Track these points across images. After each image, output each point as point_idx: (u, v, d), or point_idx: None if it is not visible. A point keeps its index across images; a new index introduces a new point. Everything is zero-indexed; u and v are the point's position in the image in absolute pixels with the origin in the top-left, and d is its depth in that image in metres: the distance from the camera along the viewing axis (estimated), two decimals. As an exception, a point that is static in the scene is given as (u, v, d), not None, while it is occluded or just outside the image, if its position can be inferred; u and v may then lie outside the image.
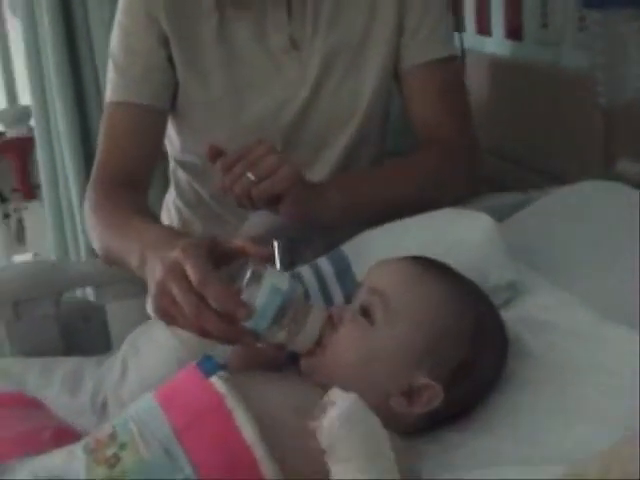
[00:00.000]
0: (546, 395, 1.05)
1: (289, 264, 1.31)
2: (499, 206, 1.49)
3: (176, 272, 1.00)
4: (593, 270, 1.26)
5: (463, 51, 2.04)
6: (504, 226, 1.39)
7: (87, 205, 1.44)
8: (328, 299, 1.21)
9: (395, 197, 1.40)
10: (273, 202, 1.26)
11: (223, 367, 0.99)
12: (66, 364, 1.30)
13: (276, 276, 1.02)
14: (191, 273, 0.99)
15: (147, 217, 1.33)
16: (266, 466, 0.89)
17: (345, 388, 0.95)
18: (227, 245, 1.07)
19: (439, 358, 1.01)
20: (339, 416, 0.89)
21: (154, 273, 1.04)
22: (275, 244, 1.41)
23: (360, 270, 1.21)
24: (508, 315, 1.14)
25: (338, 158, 1.57)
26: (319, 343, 1.03)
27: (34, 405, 1.13)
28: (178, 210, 1.74)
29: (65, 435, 1.04)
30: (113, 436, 0.93)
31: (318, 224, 1.36)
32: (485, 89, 2.10)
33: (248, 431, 0.91)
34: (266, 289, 1.00)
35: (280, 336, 1.02)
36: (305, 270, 1.25)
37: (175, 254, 1.02)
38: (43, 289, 1.35)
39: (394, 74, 1.56)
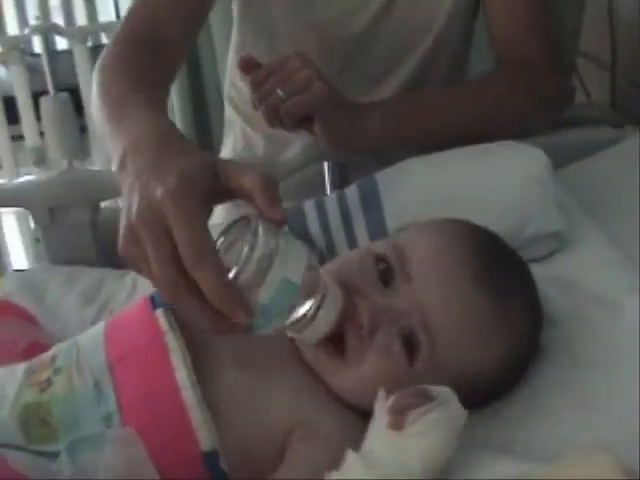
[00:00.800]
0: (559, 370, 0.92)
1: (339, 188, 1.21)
2: (582, 142, 1.34)
3: (156, 227, 0.76)
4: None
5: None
6: (576, 166, 1.25)
7: (98, 62, 1.17)
8: (350, 235, 1.11)
9: (452, 126, 1.24)
10: (304, 122, 1.14)
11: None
12: (90, 274, 1.25)
13: (290, 261, 0.78)
14: (179, 240, 0.75)
15: (157, 95, 1.07)
16: (196, 416, 0.82)
17: (343, 397, 0.88)
18: (233, 180, 0.81)
19: (467, 396, 0.84)
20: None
21: (129, 203, 0.80)
22: (325, 165, 1.33)
23: (390, 204, 1.10)
24: (542, 271, 1.00)
25: (410, 76, 1.41)
26: (331, 337, 0.86)
27: (20, 315, 1.08)
28: (241, 128, 1.61)
29: (39, 350, 0.97)
30: (53, 359, 0.88)
31: (358, 151, 1.23)
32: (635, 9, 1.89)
33: (182, 374, 0.83)
34: (275, 282, 0.77)
35: (281, 328, 0.84)
36: (330, 201, 1.14)
37: (159, 197, 0.76)
38: (78, 197, 1.30)
39: None
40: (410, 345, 0.85)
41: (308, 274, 0.79)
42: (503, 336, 0.88)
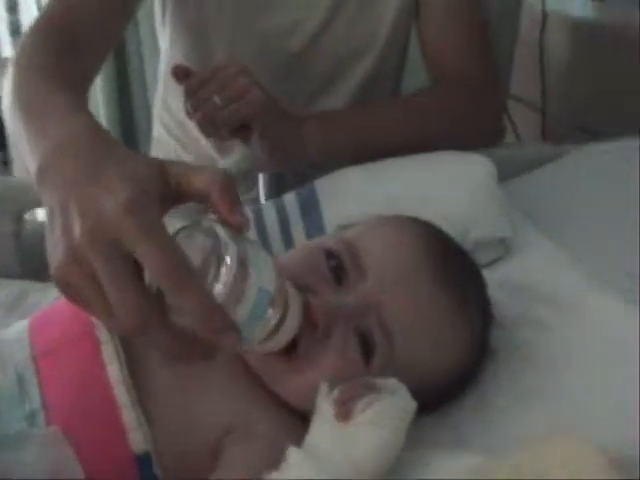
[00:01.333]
0: (509, 371, 0.89)
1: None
2: (524, 157, 1.33)
3: (110, 247, 0.63)
4: (603, 237, 1.09)
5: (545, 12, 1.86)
6: (518, 180, 1.25)
7: (13, 58, 1.02)
8: (288, 240, 1.07)
9: (390, 138, 1.21)
10: (241, 132, 1.10)
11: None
12: (13, 285, 1.18)
13: (262, 268, 0.69)
14: (150, 259, 0.63)
15: (79, 97, 0.94)
16: (128, 415, 0.76)
17: (291, 403, 0.81)
18: (185, 182, 0.70)
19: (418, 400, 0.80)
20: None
21: (65, 220, 0.66)
22: (260, 178, 1.29)
23: (329, 211, 1.07)
24: (489, 275, 0.96)
25: (352, 92, 1.38)
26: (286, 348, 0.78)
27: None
28: (174, 150, 1.54)
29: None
30: (-20, 355, 0.81)
31: (295, 162, 1.19)
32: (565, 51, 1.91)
33: (114, 369, 0.77)
34: (252, 294, 0.68)
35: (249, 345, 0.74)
36: (268, 207, 1.11)
37: (112, 210, 0.63)
38: (1, 205, 1.24)
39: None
40: (366, 345, 0.80)
41: (279, 280, 0.71)
42: (461, 337, 0.84)
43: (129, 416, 0.76)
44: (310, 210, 1.07)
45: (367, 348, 0.80)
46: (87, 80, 1.06)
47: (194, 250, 0.67)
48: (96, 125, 0.77)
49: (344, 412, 0.73)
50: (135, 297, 0.64)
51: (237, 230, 0.68)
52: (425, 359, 0.82)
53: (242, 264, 0.66)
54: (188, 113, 1.10)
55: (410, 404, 0.75)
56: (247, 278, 0.66)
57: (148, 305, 0.64)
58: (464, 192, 1.06)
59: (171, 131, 1.54)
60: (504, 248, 1.07)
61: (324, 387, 0.76)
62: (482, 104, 1.29)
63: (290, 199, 1.10)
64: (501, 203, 1.08)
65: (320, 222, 1.06)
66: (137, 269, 0.65)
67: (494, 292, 0.93)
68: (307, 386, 0.78)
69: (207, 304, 0.64)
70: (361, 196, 1.07)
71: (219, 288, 0.65)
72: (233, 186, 0.70)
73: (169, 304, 0.65)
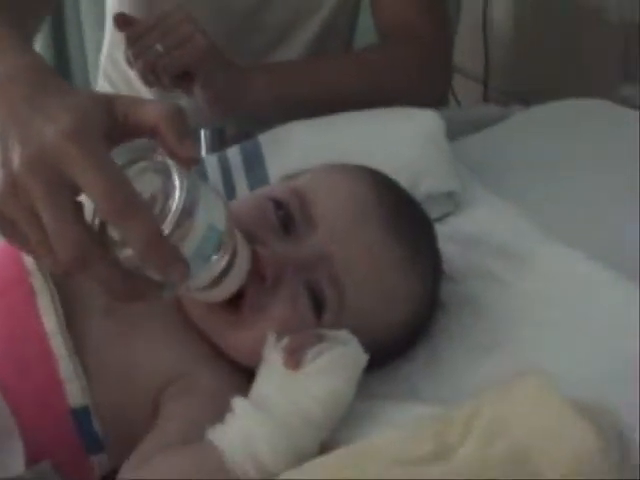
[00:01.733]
0: (461, 325, 0.87)
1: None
2: (473, 118, 1.32)
3: (50, 176, 0.61)
4: (549, 190, 1.08)
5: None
6: (467, 139, 1.24)
7: None
8: (231, 195, 1.03)
9: (340, 92, 1.17)
10: (183, 81, 1.07)
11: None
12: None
13: (212, 204, 0.66)
14: (92, 186, 0.60)
15: (23, 33, 0.88)
16: (64, 367, 0.72)
17: (237, 358, 0.78)
18: (132, 115, 0.67)
19: (371, 351, 0.77)
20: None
21: (4, 151, 0.64)
22: (202, 133, 1.25)
23: (274, 165, 1.04)
24: (439, 229, 0.94)
25: (306, 45, 1.34)
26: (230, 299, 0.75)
27: None
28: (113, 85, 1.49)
29: None
30: None
31: (240, 113, 1.16)
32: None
33: (50, 319, 0.73)
34: (201, 230, 0.64)
35: (192, 288, 0.71)
36: (210, 159, 1.07)
37: (53, 138, 0.61)
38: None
39: None
40: (316, 299, 0.76)
41: (229, 223, 0.68)
42: (413, 289, 0.81)
43: (66, 368, 0.72)
44: (254, 165, 1.04)
45: (317, 302, 0.76)
46: (33, 22, 1.05)
47: (142, 183, 0.64)
48: (41, 60, 0.73)
49: (294, 360, 0.69)
50: (75, 228, 0.61)
51: (187, 163, 0.65)
52: (377, 312, 0.79)
53: (191, 200, 0.63)
54: (129, 62, 1.07)
55: (361, 355, 0.72)
56: (195, 214, 0.63)
57: (89, 238, 0.62)
58: (413, 145, 1.04)
59: (115, 85, 1.49)
60: (454, 203, 1.05)
61: (271, 337, 0.72)
62: (431, 60, 1.26)
63: (234, 153, 1.07)
64: (450, 158, 1.06)
65: (265, 177, 1.03)
66: (78, 206, 0.62)
67: (445, 245, 0.90)
68: (253, 341, 0.74)
69: (153, 233, 0.61)
70: (307, 150, 1.04)
71: (166, 222, 0.62)
72: (183, 118, 0.67)
73: (112, 237, 0.63)
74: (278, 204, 0.79)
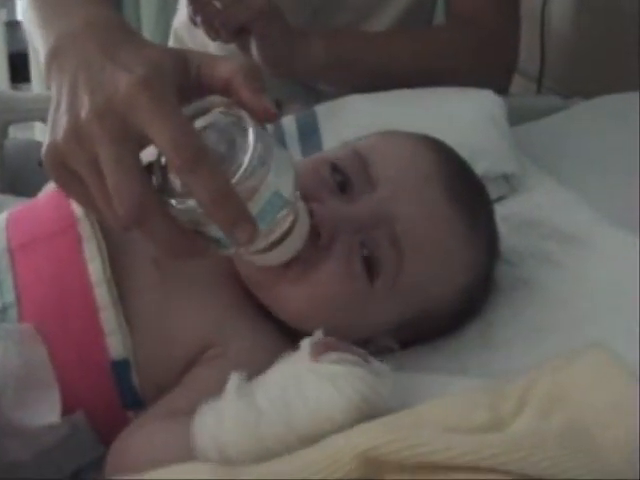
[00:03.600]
0: (514, 306, 0.85)
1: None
2: (533, 107, 1.29)
3: (118, 124, 0.59)
4: (607, 180, 1.05)
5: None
6: (526, 126, 1.21)
7: None
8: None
9: (395, 65, 1.16)
10: (241, 36, 1.07)
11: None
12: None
13: (283, 171, 0.63)
14: (162, 137, 0.58)
15: None
16: (108, 318, 0.70)
17: (286, 319, 0.75)
18: (207, 71, 0.65)
19: (420, 325, 0.78)
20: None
21: (71, 99, 0.61)
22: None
23: (329, 137, 1.03)
24: (496, 211, 0.92)
25: (387, 26, 1.29)
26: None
27: None
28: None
29: None
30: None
31: (296, 75, 1.15)
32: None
33: (95, 268, 0.71)
34: (266, 195, 0.62)
35: (251, 249, 0.68)
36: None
37: (125, 87, 0.59)
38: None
39: None
40: (371, 261, 0.73)
41: (294, 185, 0.65)
42: (469, 258, 0.78)
43: (108, 318, 0.70)
44: (309, 133, 1.03)
45: (372, 265, 0.74)
46: None
47: (216, 135, 0.62)
48: (117, 15, 0.72)
49: (317, 351, 0.66)
50: (136, 181, 0.59)
51: (262, 117, 0.63)
52: (433, 278, 0.76)
53: (263, 159, 0.61)
54: (191, 19, 1.08)
55: (384, 397, 0.64)
56: (266, 175, 0.61)
57: (149, 192, 0.60)
58: (471, 124, 1.02)
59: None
60: (510, 187, 1.03)
61: (318, 332, 0.69)
62: (493, 49, 1.23)
63: (289, 121, 1.06)
64: (509, 139, 1.04)
65: (319, 146, 1.02)
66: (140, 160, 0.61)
67: (500, 226, 0.88)
68: (302, 298, 0.73)
69: (222, 187, 0.59)
70: (363, 123, 1.00)
71: (235, 177, 0.60)
72: (259, 74, 0.65)
73: (174, 190, 0.61)
74: (336, 168, 0.77)
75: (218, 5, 1.04)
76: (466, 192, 0.80)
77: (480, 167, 0.98)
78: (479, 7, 1.23)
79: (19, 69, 2.71)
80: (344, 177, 0.76)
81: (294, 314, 0.74)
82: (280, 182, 0.62)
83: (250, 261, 0.72)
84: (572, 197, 0.99)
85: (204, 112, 0.64)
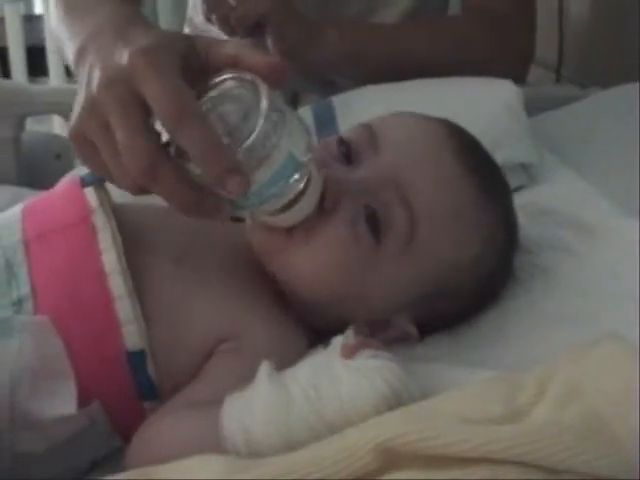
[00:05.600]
0: (531, 295, 0.84)
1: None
2: (551, 97, 1.30)
3: (122, 88, 0.63)
4: (624, 170, 1.04)
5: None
6: (544, 115, 1.21)
7: None
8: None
9: (410, 56, 1.16)
10: (257, 31, 1.07)
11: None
12: (7, 190, 1.13)
13: (296, 133, 0.65)
14: (155, 97, 0.62)
15: None
16: (124, 308, 0.70)
17: (296, 289, 0.75)
18: (214, 52, 0.68)
19: (436, 305, 0.77)
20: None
21: (89, 78, 0.67)
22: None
23: (346, 126, 1.01)
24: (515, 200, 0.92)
25: (400, 16, 1.30)
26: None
27: None
28: None
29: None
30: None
31: (313, 68, 1.16)
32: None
33: (110, 258, 0.71)
34: (280, 157, 0.64)
35: (264, 211, 0.70)
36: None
37: (129, 57, 0.64)
38: (2, 109, 1.20)
39: None
40: (377, 221, 0.73)
41: (310, 153, 0.67)
42: (486, 230, 0.78)
43: (124, 308, 0.70)
44: (326, 124, 1.03)
45: (378, 225, 0.74)
46: None
47: (229, 103, 0.65)
48: (136, 10, 0.80)
49: (350, 349, 0.66)
50: (144, 139, 0.63)
51: (273, 73, 0.65)
52: (446, 246, 0.76)
53: (276, 124, 0.63)
54: (206, 16, 1.08)
55: (412, 393, 0.64)
56: (279, 138, 0.63)
57: (157, 149, 0.63)
58: (489, 113, 1.02)
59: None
60: (528, 177, 1.02)
61: (350, 330, 0.69)
62: (508, 40, 1.23)
63: (305, 112, 1.06)
64: (527, 129, 1.03)
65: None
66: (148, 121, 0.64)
67: (518, 215, 0.87)
68: (307, 262, 0.74)
69: (210, 141, 0.62)
70: (379, 114, 1.01)
71: (248, 141, 0.62)
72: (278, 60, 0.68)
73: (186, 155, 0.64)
74: (342, 140, 0.78)
75: (232, 2, 1.05)
76: (480, 164, 0.80)
77: (498, 157, 0.96)
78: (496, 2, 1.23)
79: (37, 62, 2.72)
80: (350, 148, 0.77)
81: (301, 281, 0.75)
82: (294, 145, 0.65)
83: (264, 223, 0.73)
84: (590, 188, 0.98)
85: (217, 85, 0.66)
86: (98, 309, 0.70)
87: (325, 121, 1.03)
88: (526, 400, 0.55)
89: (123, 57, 0.64)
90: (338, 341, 0.67)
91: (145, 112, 0.63)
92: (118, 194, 0.79)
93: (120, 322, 0.70)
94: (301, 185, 0.68)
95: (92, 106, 0.65)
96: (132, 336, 0.70)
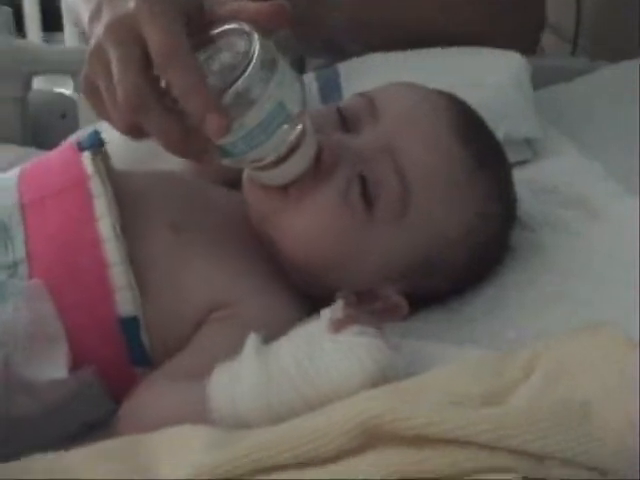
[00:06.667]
0: (528, 272, 0.83)
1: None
2: (560, 69, 1.26)
3: (124, 31, 0.66)
4: (629, 147, 1.02)
5: None
6: (551, 89, 1.18)
7: None
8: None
9: (419, 23, 1.13)
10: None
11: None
12: (12, 149, 1.14)
13: (287, 83, 0.66)
14: (150, 40, 0.65)
15: None
16: (117, 274, 0.70)
17: (288, 252, 0.76)
18: (220, 6, 0.70)
19: (428, 277, 0.78)
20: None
21: (99, 28, 0.69)
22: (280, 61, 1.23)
23: (350, 93, 1.00)
24: (517, 175, 0.91)
25: None
26: (290, 185, 0.74)
27: None
28: None
29: None
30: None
31: (319, 35, 1.15)
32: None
33: (105, 224, 0.71)
34: (269, 103, 0.65)
35: (254, 163, 0.70)
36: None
37: (132, 5, 0.67)
38: (7, 67, 1.19)
39: None
40: (370, 190, 0.74)
41: (301, 102, 0.68)
42: (480, 203, 0.78)
43: (118, 274, 0.70)
44: (330, 91, 1.02)
45: (371, 195, 0.74)
46: None
47: (224, 50, 0.67)
48: None
49: (337, 324, 0.66)
50: (135, 75, 0.65)
51: (270, 18, 0.68)
52: (439, 216, 0.76)
53: (268, 71, 0.64)
54: None
55: (398, 371, 0.64)
56: (269, 85, 0.64)
57: (147, 85, 0.65)
58: (494, 85, 1.01)
59: None
60: (532, 152, 1.02)
61: (340, 300, 0.69)
62: (519, 5, 1.20)
63: (309, 79, 1.05)
64: (533, 102, 1.02)
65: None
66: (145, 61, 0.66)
67: (520, 191, 0.87)
68: (303, 226, 0.74)
69: (192, 81, 0.64)
70: (384, 81, 1.00)
71: (236, 85, 0.64)
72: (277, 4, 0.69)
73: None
74: (341, 109, 0.79)
75: None
76: (477, 137, 0.80)
77: (502, 130, 0.97)
78: None
79: (52, 18, 2.70)
80: (349, 115, 0.78)
81: (293, 243, 0.75)
82: (284, 95, 0.66)
83: (258, 179, 0.74)
84: (593, 165, 0.97)
85: (216, 36, 0.69)
86: (92, 275, 0.71)
87: (330, 88, 1.02)
88: (515, 375, 0.55)
89: (130, 4, 0.66)
90: (326, 314, 0.67)
91: (145, 55, 0.65)
92: (119, 161, 0.80)
93: (114, 289, 0.70)
94: (291, 137, 0.69)
95: (97, 49, 0.67)
96: (125, 303, 0.70)
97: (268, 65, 0.64)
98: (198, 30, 0.68)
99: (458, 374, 0.57)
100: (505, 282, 0.81)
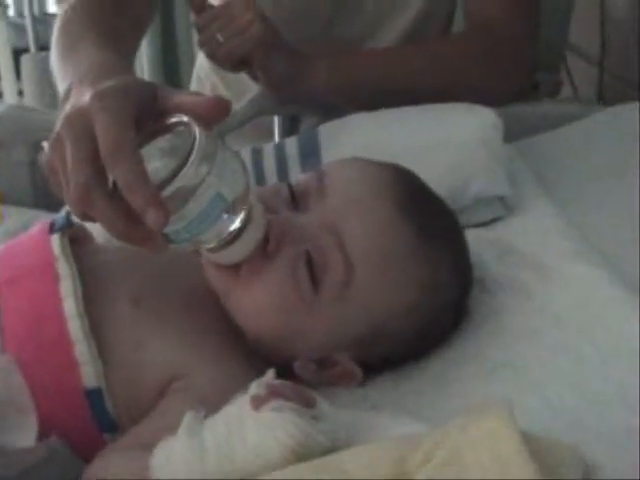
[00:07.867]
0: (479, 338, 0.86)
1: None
2: (548, 115, 1.29)
3: (78, 125, 0.71)
4: (609, 200, 1.05)
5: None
6: (537, 139, 1.21)
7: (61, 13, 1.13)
8: (284, 181, 1.04)
9: (404, 82, 1.18)
10: (245, 66, 1.12)
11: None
12: (22, 213, 1.20)
13: (226, 174, 0.70)
14: (99, 135, 0.69)
15: (111, 40, 0.99)
16: (81, 349, 0.75)
17: (242, 326, 0.80)
18: (171, 100, 0.74)
19: (376, 347, 0.81)
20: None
21: (61, 115, 0.75)
22: (275, 121, 1.27)
23: (329, 156, 1.04)
24: (482, 233, 0.95)
25: (403, 34, 1.31)
26: (241, 263, 0.78)
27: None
28: (206, 74, 1.53)
29: None
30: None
31: (304, 100, 1.20)
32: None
33: (69, 304, 0.77)
34: (207, 195, 0.69)
35: (200, 245, 0.76)
36: (268, 149, 1.10)
37: (87, 99, 0.72)
38: (17, 134, 1.26)
39: None
40: (315, 268, 0.77)
41: (242, 190, 0.72)
42: (425, 278, 0.80)
43: (81, 351, 0.75)
44: (310, 154, 1.06)
45: (316, 272, 0.78)
46: (135, 24, 1.16)
47: (172, 139, 0.72)
48: (117, 57, 0.90)
49: (257, 401, 0.68)
50: (84, 169, 0.70)
51: (209, 112, 0.72)
52: (381, 292, 0.79)
53: (208, 162, 0.68)
54: (200, 47, 1.14)
55: (320, 441, 0.66)
56: (206, 178, 0.68)
57: (95, 179, 0.70)
58: (465, 145, 1.04)
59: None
60: (504, 208, 1.04)
61: (270, 373, 0.71)
62: (503, 56, 1.23)
63: (291, 142, 1.09)
64: (504, 160, 1.05)
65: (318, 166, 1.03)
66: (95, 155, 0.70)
67: (482, 251, 0.90)
68: (253, 304, 0.78)
69: (134, 177, 0.67)
70: (361, 144, 1.04)
71: (178, 178, 0.68)
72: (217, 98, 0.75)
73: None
74: (291, 185, 0.83)
75: (220, 38, 1.09)
76: (421, 210, 0.82)
77: (472, 189, 1.00)
78: (495, 12, 1.24)
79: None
80: (298, 191, 0.82)
81: (245, 320, 0.80)
82: (222, 185, 0.70)
83: (209, 259, 0.79)
84: (561, 225, 0.99)
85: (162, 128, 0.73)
86: (59, 350, 0.76)
87: (309, 152, 1.06)
88: (413, 464, 0.58)
89: (85, 99, 0.72)
90: (253, 389, 0.70)
91: (94, 146, 0.70)
92: (95, 232, 0.86)
93: (78, 363, 0.75)
94: (233, 225, 0.73)
95: (56, 140, 0.73)
96: (89, 375, 0.75)
97: (208, 157, 0.68)
98: (152, 117, 0.73)
99: (368, 457, 0.60)
100: (454, 351, 0.83)
